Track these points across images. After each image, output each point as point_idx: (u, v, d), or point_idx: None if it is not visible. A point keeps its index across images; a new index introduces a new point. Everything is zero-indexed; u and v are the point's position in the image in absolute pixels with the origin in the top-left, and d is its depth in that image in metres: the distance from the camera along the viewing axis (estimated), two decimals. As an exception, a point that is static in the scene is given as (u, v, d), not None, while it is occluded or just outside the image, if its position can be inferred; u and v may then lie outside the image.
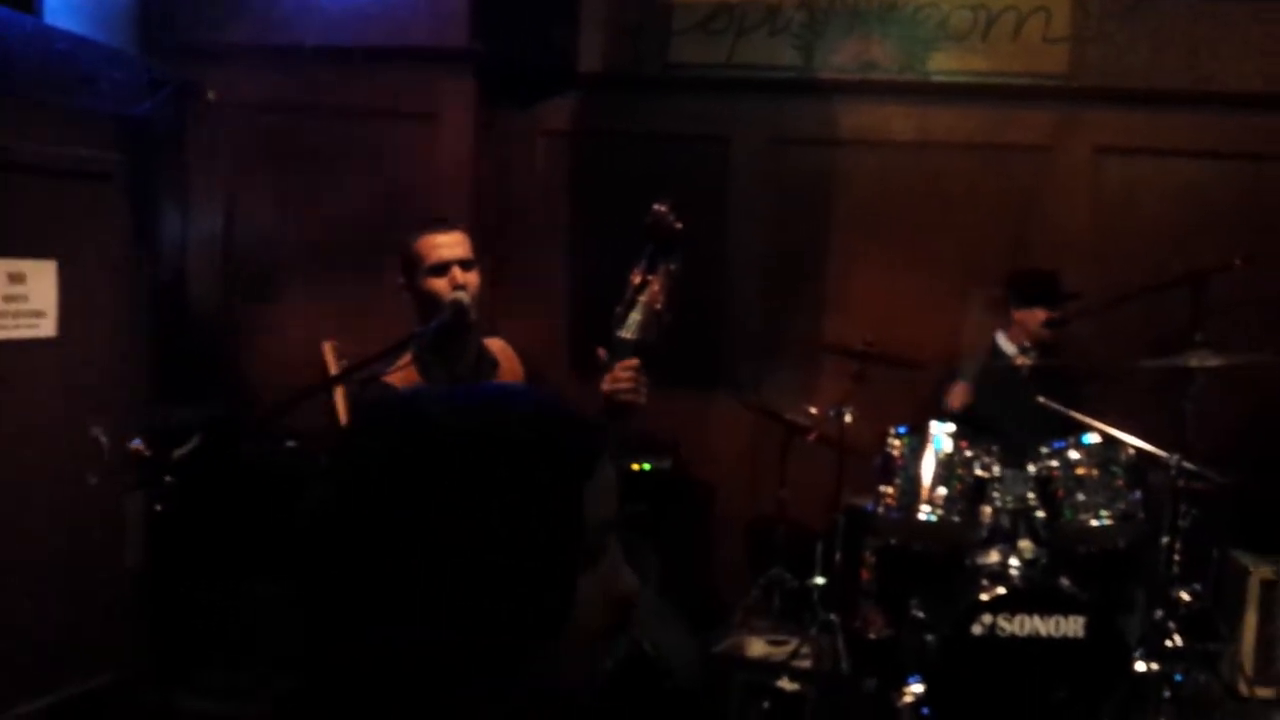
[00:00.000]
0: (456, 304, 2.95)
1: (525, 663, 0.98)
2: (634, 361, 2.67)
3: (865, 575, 4.65)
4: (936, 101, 5.41)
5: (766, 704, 4.00)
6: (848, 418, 4.66)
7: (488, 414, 1.02)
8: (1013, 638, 3.90)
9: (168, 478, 2.46)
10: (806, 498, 4.94)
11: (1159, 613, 4.24)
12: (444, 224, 3.10)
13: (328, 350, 3.85)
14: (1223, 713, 4.27)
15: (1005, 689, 3.90)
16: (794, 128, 5.53)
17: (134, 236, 4.37)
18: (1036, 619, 3.90)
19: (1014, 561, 4.12)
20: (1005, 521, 4.25)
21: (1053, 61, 5.30)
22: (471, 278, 3.02)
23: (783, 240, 5.56)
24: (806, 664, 4.36)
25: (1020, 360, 4.52)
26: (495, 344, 3.22)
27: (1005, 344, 4.87)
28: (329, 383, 3.58)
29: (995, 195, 5.43)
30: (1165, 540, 4.23)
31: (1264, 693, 4.52)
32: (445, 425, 1.00)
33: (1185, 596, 4.31)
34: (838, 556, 4.66)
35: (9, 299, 3.79)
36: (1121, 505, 4.12)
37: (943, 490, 4.17)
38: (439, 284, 2.99)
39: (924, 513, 4.16)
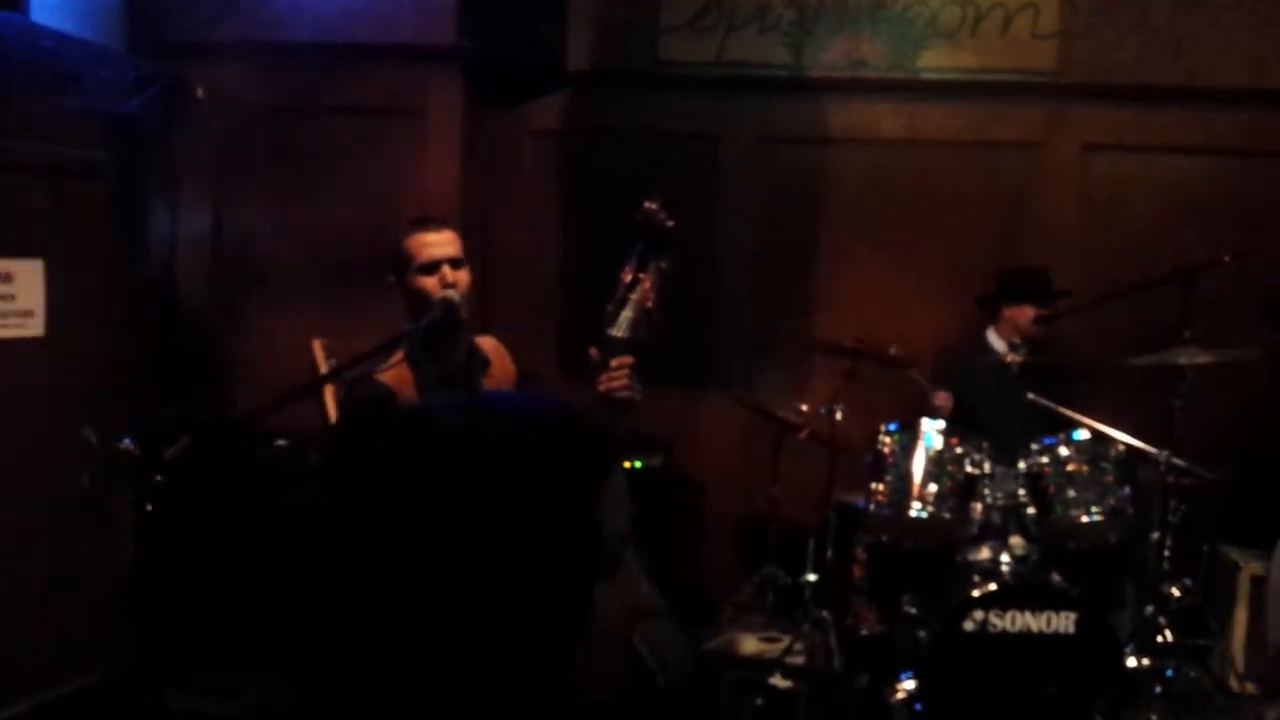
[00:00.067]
0: (447, 302, 2.95)
1: (536, 664, 0.97)
2: (628, 359, 2.66)
3: (857, 572, 4.66)
4: (926, 99, 5.43)
5: (759, 701, 4.00)
6: (839, 415, 4.67)
7: (501, 420, 1.02)
8: (1004, 634, 3.91)
9: (158, 477, 2.45)
10: (798, 495, 4.95)
11: (1150, 608, 4.26)
12: (434, 222, 3.10)
13: (317, 348, 3.82)
14: (1214, 708, 4.28)
15: (997, 685, 3.91)
16: (784, 126, 5.53)
17: (122, 235, 4.34)
18: (1028, 615, 3.91)
19: (1005, 558, 4.14)
20: (996, 518, 4.26)
21: (1041, 58, 5.32)
22: (462, 276, 3.02)
23: (773, 238, 5.57)
24: (799, 661, 4.36)
25: (1010, 357, 4.54)
26: (487, 342, 3.21)
27: (995, 341, 4.89)
28: (319, 381, 3.56)
29: (984, 192, 5.45)
30: (1155, 536, 4.26)
31: (1254, 688, 4.53)
32: (457, 430, 1.00)
33: (1176, 592, 4.34)
34: (829, 553, 4.67)
35: (-4, 298, 3.77)
36: (1111, 501, 4.13)
37: (933, 487, 4.18)
38: (429, 282, 2.99)
39: (915, 509, 4.18)
